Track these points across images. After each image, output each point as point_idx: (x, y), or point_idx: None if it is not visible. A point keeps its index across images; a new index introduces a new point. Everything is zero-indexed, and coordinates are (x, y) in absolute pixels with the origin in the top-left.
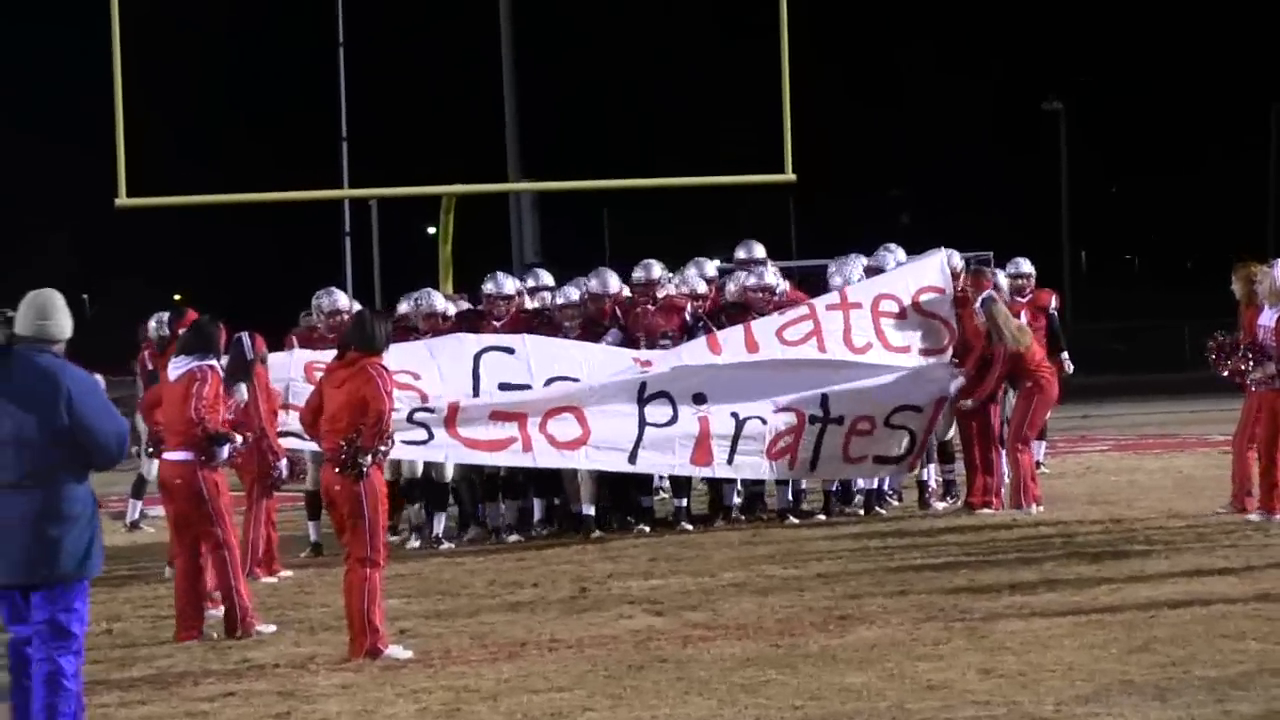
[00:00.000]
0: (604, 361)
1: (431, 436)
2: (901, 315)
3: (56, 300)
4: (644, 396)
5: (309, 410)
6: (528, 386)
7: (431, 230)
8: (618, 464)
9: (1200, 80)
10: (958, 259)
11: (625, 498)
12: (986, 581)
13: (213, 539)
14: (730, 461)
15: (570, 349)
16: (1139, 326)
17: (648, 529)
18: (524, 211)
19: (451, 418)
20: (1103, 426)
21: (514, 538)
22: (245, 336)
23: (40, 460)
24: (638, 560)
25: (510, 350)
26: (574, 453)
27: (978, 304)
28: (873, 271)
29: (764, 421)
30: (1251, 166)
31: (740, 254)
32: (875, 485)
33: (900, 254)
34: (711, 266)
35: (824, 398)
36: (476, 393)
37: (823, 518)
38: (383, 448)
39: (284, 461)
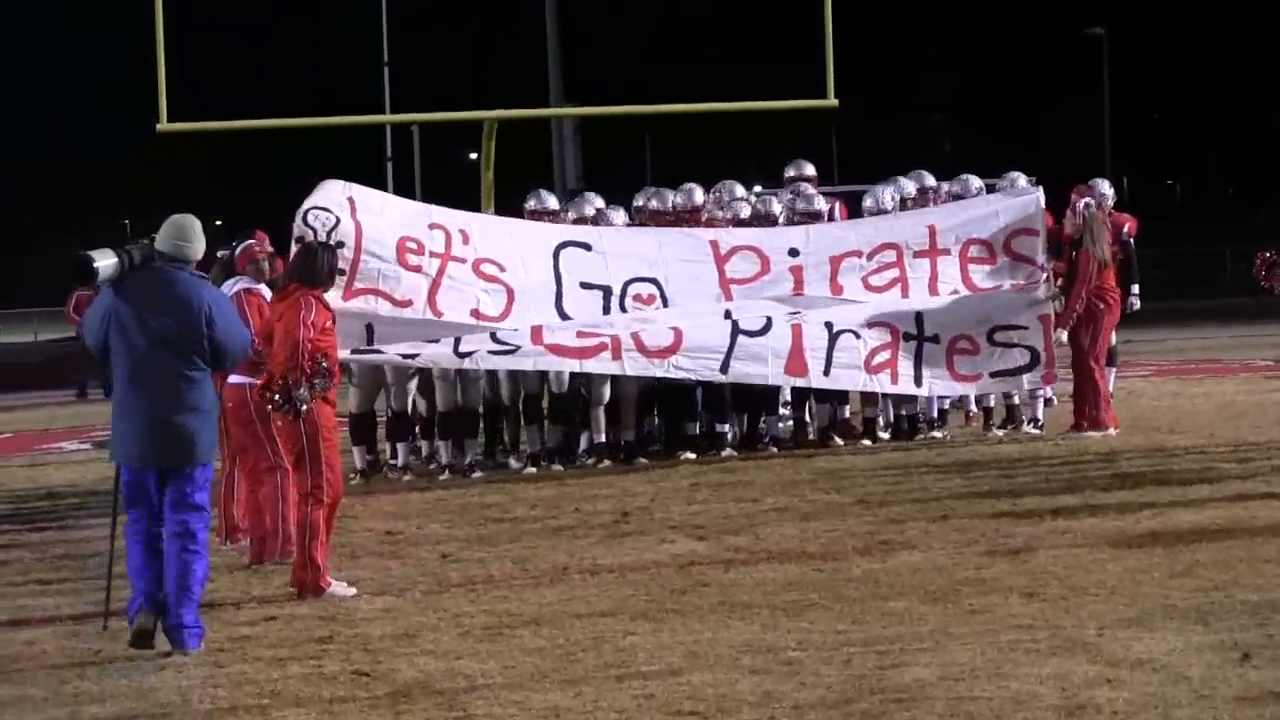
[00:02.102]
0: (679, 254)
1: (518, 347)
2: (991, 260)
3: (196, 226)
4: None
5: (264, 345)
6: (608, 288)
7: (473, 156)
8: (708, 373)
9: (1242, 5)
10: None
11: (677, 426)
12: (1028, 506)
13: (266, 462)
14: (827, 373)
15: (645, 238)
16: (1181, 253)
17: (693, 455)
18: (566, 137)
19: (537, 333)
20: (1145, 351)
21: (553, 465)
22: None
23: (184, 360)
24: (679, 486)
25: (587, 246)
26: (663, 361)
27: (1080, 204)
28: (906, 204)
29: (857, 336)
30: None
31: (790, 172)
32: (918, 410)
33: (929, 179)
34: (740, 190)
35: (918, 315)
36: (559, 287)
37: (867, 443)
38: (318, 380)
39: None
